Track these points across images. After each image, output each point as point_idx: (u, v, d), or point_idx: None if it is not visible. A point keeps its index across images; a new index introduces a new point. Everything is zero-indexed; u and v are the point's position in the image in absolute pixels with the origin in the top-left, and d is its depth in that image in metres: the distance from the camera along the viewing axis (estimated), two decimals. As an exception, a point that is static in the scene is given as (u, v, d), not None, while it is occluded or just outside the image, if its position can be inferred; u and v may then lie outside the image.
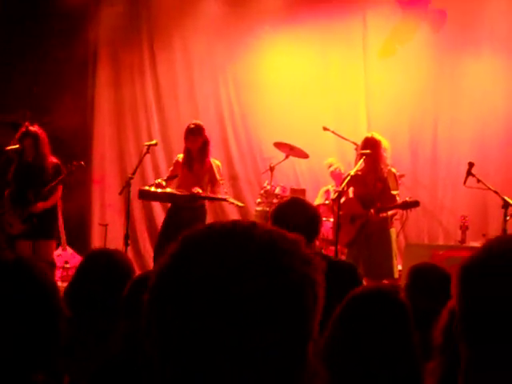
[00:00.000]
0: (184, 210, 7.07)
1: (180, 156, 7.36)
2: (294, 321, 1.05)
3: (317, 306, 1.08)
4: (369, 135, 7.04)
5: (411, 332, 2.16)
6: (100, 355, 2.49)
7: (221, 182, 7.29)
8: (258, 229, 1.09)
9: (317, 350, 1.10)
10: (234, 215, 10.04)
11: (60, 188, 7.22)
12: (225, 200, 7.30)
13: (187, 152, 7.24)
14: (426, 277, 3.76)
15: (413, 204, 6.77)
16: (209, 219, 9.95)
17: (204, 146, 7.24)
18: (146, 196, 7.32)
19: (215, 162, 7.35)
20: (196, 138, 7.18)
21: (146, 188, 7.20)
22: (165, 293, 1.06)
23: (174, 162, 7.48)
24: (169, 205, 7.52)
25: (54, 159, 7.21)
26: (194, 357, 1.02)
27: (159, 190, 6.98)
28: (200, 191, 7.02)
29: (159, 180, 7.12)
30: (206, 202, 7.37)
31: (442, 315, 2.45)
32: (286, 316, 1.04)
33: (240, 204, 7.55)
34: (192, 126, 7.26)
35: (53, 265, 7.09)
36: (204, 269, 1.03)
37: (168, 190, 7.05)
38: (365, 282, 6.18)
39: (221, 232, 1.09)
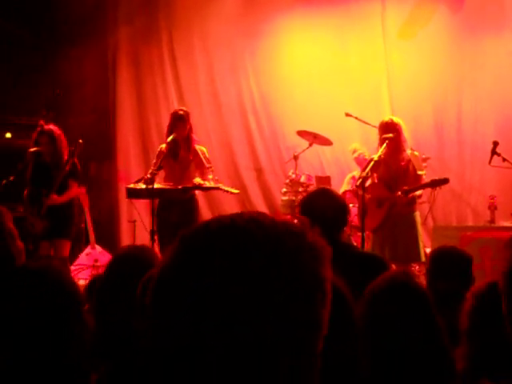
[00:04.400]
0: (174, 204, 6.78)
1: (163, 146, 6.94)
2: (301, 321, 1.00)
3: (325, 302, 1.04)
4: (387, 119, 6.88)
5: (434, 318, 2.14)
6: (126, 353, 2.50)
7: (210, 169, 6.90)
8: (260, 225, 1.03)
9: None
10: (260, 205, 10.04)
11: (74, 184, 7.01)
12: (218, 188, 6.86)
13: (173, 141, 6.79)
14: (447, 260, 3.74)
15: (442, 181, 6.54)
16: (236, 208, 10.06)
17: (189, 132, 6.95)
18: (134, 195, 6.81)
19: (201, 148, 7.03)
20: (185, 125, 6.89)
21: (132, 186, 6.78)
22: (164, 293, 1.02)
23: (157, 153, 7.04)
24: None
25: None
26: (190, 358, 0.99)
27: (145, 187, 6.56)
28: (201, 182, 6.73)
29: (148, 175, 6.63)
30: (197, 193, 7.04)
31: (466, 300, 2.42)
32: (292, 315, 0.99)
33: (235, 191, 6.99)
34: (181, 112, 6.96)
35: (65, 261, 7.00)
36: (200, 269, 0.99)
37: (157, 185, 6.63)
38: (393, 267, 6.15)
39: (219, 230, 1.03)
